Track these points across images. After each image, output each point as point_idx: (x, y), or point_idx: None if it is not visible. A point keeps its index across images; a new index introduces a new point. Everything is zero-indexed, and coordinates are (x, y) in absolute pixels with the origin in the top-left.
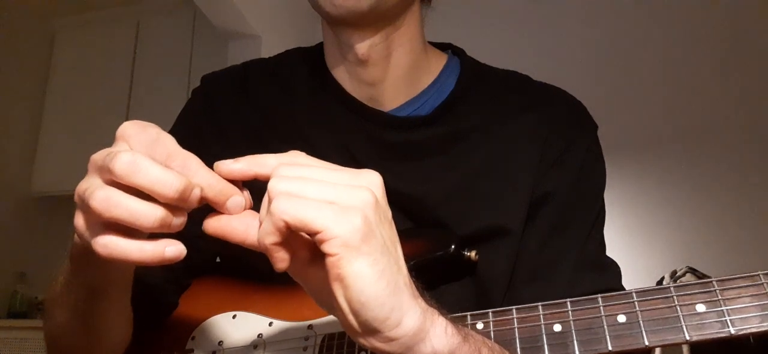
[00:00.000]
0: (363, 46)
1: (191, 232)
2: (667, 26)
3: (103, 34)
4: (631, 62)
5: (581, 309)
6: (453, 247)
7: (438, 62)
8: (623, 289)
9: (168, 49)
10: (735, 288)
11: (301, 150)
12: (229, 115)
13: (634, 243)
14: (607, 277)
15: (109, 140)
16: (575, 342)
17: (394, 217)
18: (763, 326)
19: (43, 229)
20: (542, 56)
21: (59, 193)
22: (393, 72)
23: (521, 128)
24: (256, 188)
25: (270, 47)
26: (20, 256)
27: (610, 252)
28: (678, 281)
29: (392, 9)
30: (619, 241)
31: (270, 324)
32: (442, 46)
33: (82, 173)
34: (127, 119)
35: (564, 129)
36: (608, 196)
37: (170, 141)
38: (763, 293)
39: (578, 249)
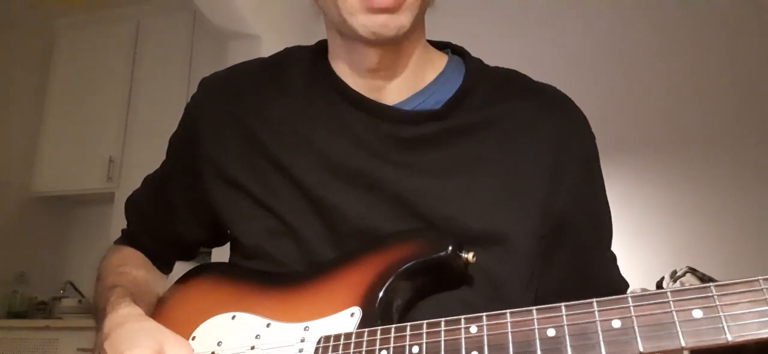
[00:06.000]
0: (378, 59)
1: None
2: (667, 27)
3: (103, 34)
4: (631, 63)
5: (576, 313)
6: (450, 248)
7: (440, 60)
8: (622, 278)
9: (168, 49)
10: (733, 293)
11: (298, 147)
12: (225, 117)
13: (634, 243)
14: (614, 273)
15: (109, 140)
16: (568, 347)
17: (397, 215)
18: (761, 333)
19: (43, 229)
20: (542, 57)
21: (59, 193)
22: (399, 72)
23: (531, 138)
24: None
25: (270, 47)
26: (20, 256)
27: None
28: (678, 281)
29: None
30: (619, 241)
31: (268, 325)
32: (441, 45)
33: (82, 173)
34: (127, 119)
35: (574, 147)
36: (608, 196)
37: None
38: (762, 299)
39: (600, 267)
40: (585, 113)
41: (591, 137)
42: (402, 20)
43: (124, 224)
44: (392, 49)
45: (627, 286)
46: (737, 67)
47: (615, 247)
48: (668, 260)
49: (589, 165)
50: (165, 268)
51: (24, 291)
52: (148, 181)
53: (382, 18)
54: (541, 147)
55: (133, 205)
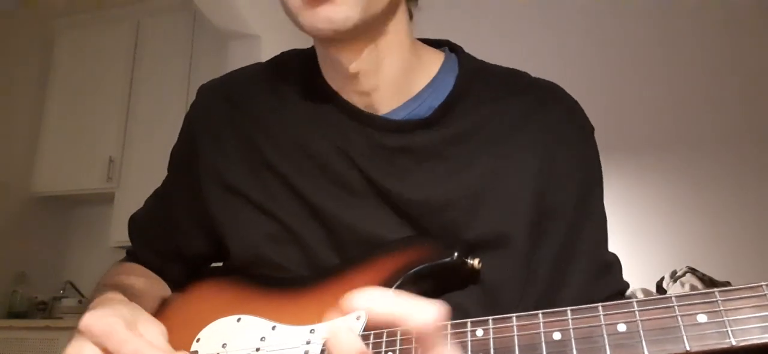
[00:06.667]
0: (352, 62)
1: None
2: (667, 27)
3: (103, 34)
4: (632, 63)
5: (581, 317)
6: (456, 255)
7: (434, 61)
8: (626, 283)
9: (168, 49)
10: (737, 299)
11: (295, 154)
12: (223, 124)
13: (634, 243)
14: (614, 276)
15: (108, 140)
16: (574, 351)
17: (396, 223)
18: (764, 338)
19: (43, 229)
20: (543, 56)
21: (59, 193)
22: (385, 79)
23: (524, 136)
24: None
25: (270, 47)
26: (20, 256)
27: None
28: (678, 281)
29: (377, 19)
30: (619, 241)
31: (273, 328)
32: (438, 43)
33: (82, 173)
34: (127, 119)
35: (566, 137)
36: (608, 197)
37: (122, 332)
38: (766, 305)
39: (590, 259)
40: (585, 113)
41: (585, 131)
42: (345, 12)
43: (123, 225)
44: (367, 55)
45: (618, 261)
46: (738, 66)
47: (616, 248)
48: (668, 260)
49: (585, 160)
50: (172, 285)
51: (24, 291)
52: (150, 198)
53: (323, 12)
54: (534, 148)
55: (135, 223)
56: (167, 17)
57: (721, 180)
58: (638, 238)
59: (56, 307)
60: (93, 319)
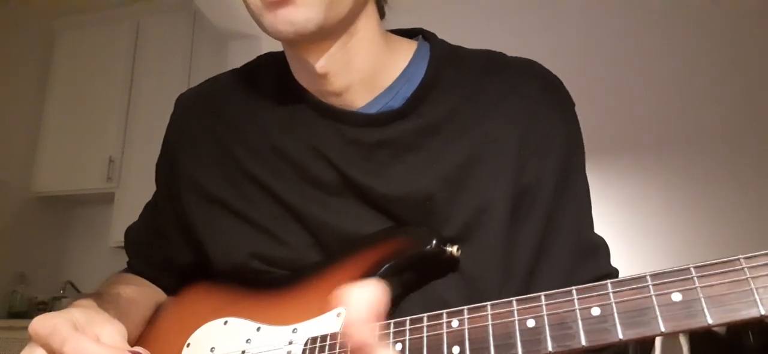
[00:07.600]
0: (320, 63)
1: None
2: (668, 27)
3: (103, 34)
4: (633, 63)
5: (555, 302)
6: (434, 242)
7: (406, 52)
8: (614, 268)
9: (168, 49)
10: (714, 274)
11: (271, 159)
12: (200, 134)
13: (634, 243)
14: (600, 259)
15: (108, 140)
16: (548, 338)
17: (378, 220)
18: (741, 315)
19: (43, 229)
20: (542, 56)
21: (59, 193)
22: (356, 76)
23: (500, 115)
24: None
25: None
26: (20, 256)
27: (611, 253)
28: None
29: (343, 20)
30: (620, 241)
31: (258, 329)
32: (413, 32)
33: (82, 173)
34: (127, 119)
35: (543, 113)
36: (608, 196)
37: (65, 330)
38: (743, 279)
39: (572, 237)
40: (585, 112)
41: (562, 106)
42: (306, 14)
43: (123, 224)
44: (335, 55)
45: (605, 245)
46: (738, 65)
47: (616, 248)
48: (668, 260)
49: (565, 135)
50: (167, 292)
51: (24, 291)
52: (143, 210)
53: (284, 14)
54: (511, 129)
55: (128, 235)
56: (167, 17)
57: (722, 180)
58: (639, 238)
59: (56, 307)
60: (38, 323)
